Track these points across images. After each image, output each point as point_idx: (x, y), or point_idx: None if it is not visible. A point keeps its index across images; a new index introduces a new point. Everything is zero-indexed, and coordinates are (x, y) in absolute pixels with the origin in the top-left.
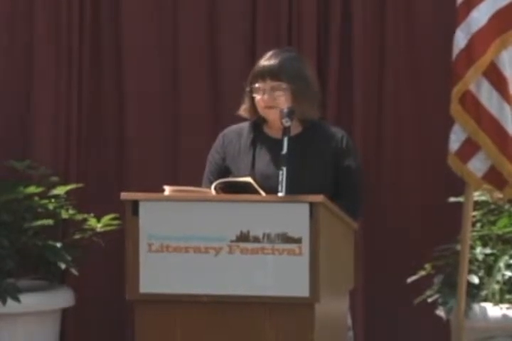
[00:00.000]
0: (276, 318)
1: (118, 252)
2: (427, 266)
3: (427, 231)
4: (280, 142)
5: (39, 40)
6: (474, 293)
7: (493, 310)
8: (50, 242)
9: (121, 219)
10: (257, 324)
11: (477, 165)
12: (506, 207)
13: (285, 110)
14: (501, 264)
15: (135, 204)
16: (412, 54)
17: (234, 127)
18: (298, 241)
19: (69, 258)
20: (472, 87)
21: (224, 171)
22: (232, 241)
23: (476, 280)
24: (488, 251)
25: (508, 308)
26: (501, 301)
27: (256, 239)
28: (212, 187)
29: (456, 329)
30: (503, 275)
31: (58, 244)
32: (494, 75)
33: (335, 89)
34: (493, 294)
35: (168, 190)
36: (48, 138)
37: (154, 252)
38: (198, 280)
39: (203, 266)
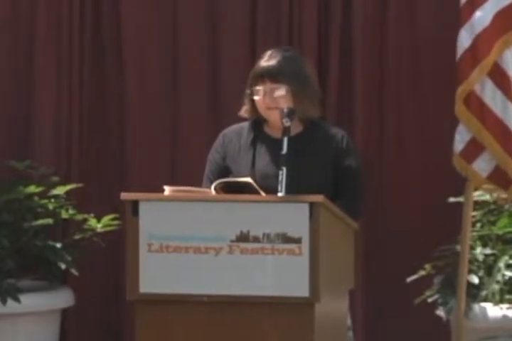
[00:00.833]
0: (276, 318)
1: (118, 252)
2: (427, 266)
3: (427, 231)
4: (280, 142)
5: (40, 40)
6: (474, 293)
7: (493, 310)
8: (50, 242)
9: (121, 220)
10: (257, 324)
11: (482, 166)
12: (506, 207)
13: (285, 110)
14: (501, 264)
15: (135, 204)
16: (414, 54)
17: (234, 127)
18: (298, 241)
19: (69, 258)
20: (476, 88)
21: (224, 171)
22: (232, 241)
23: (476, 280)
24: (488, 251)
25: (508, 308)
26: (501, 301)
27: (256, 239)
28: (212, 187)
29: (456, 329)
30: (503, 275)
31: (58, 244)
32: (498, 75)
33: (335, 90)
34: (493, 294)
35: (168, 190)
36: (49, 138)
37: (154, 252)
38: (198, 280)
39: (202, 266)
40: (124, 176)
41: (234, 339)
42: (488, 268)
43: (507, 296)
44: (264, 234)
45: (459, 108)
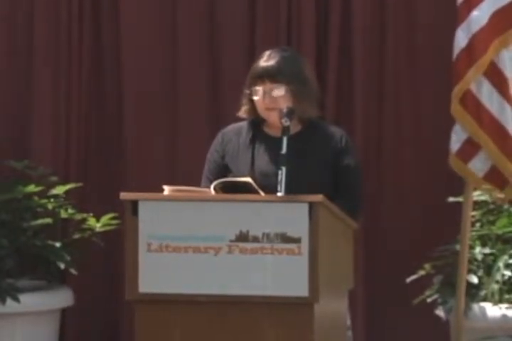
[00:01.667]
0: (275, 318)
1: (117, 252)
2: (427, 265)
3: (427, 231)
4: (279, 141)
5: (39, 40)
6: (473, 293)
7: (493, 310)
8: (50, 242)
9: (120, 219)
10: (256, 324)
11: (478, 165)
12: (505, 206)
13: (284, 110)
14: (500, 264)
15: (134, 204)
16: (412, 54)
17: (233, 126)
18: (297, 240)
19: (68, 258)
20: (473, 87)
21: (223, 170)
22: (231, 241)
23: (475, 280)
24: (487, 250)
25: (507, 308)
26: (500, 301)
27: (255, 239)
28: (212, 187)
29: (456, 329)
30: (503, 275)
31: (57, 244)
32: (495, 75)
33: (334, 89)
34: (493, 294)
35: (167, 189)
36: (48, 138)
37: (154, 252)
38: (198, 280)
39: (202, 266)
40: (123, 176)
41: (233, 339)
42: (488, 267)
43: (506, 296)
44: (263, 234)
45: (455, 107)
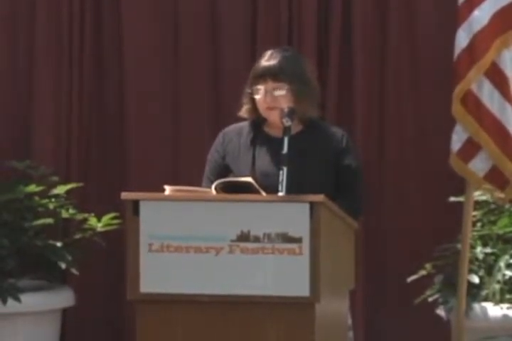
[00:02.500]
0: (276, 318)
1: (118, 252)
2: (428, 265)
3: (428, 230)
4: (280, 141)
5: (40, 40)
6: (475, 293)
7: (494, 310)
8: (51, 242)
9: (121, 219)
10: (257, 323)
11: (479, 165)
12: (507, 206)
13: (286, 110)
14: (502, 264)
15: (136, 203)
16: (413, 54)
17: (234, 126)
18: (298, 240)
19: (69, 257)
20: (474, 87)
21: (224, 170)
22: (232, 241)
23: (476, 279)
24: (488, 250)
25: (508, 308)
26: (502, 301)
27: (256, 239)
28: (213, 187)
29: (457, 329)
30: (504, 274)
31: (59, 244)
32: (496, 75)
33: (335, 89)
34: (494, 294)
35: (168, 189)
36: (49, 138)
37: (155, 252)
38: (199, 279)
39: (203, 266)
40: (124, 175)
41: (234, 338)
42: (489, 267)
43: (507, 296)
44: (264, 234)
45: (456, 107)
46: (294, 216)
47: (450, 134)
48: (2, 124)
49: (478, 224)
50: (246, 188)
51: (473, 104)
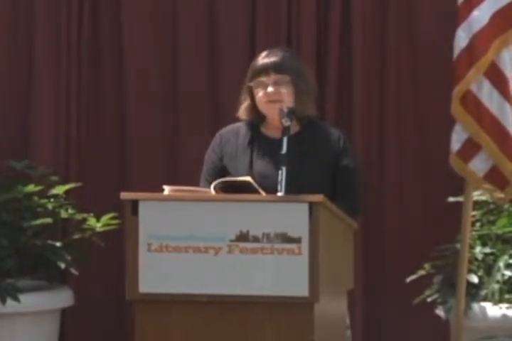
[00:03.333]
0: (275, 318)
1: (118, 252)
2: (427, 265)
3: (427, 230)
4: (277, 141)
5: (39, 40)
6: (474, 293)
7: (493, 310)
8: (50, 242)
9: (120, 219)
10: (256, 324)
11: (478, 165)
12: (506, 206)
13: (285, 110)
14: (501, 264)
15: (135, 203)
16: (413, 54)
17: (231, 126)
18: (297, 240)
19: (68, 257)
20: (473, 87)
21: (221, 171)
22: (231, 241)
23: (475, 279)
24: (487, 250)
25: (507, 308)
26: (501, 301)
27: (255, 239)
28: (212, 186)
29: (456, 328)
30: (503, 274)
31: (58, 244)
32: (495, 75)
33: (335, 90)
34: (493, 294)
35: (167, 189)
36: (48, 138)
37: (154, 252)
38: (198, 280)
39: (202, 266)
40: (123, 176)
41: (233, 338)
42: (488, 267)
43: (506, 296)
44: (263, 234)
45: (456, 107)
46: (293, 216)
47: (450, 134)
48: (1, 124)
49: (478, 224)
50: (245, 188)
51: (473, 104)
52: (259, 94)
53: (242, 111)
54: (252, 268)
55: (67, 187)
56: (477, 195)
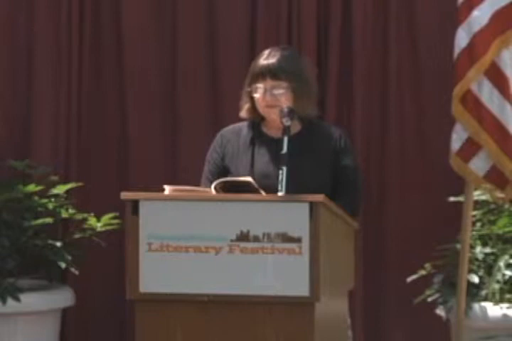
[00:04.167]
0: (276, 318)
1: (118, 251)
2: (427, 265)
3: (427, 230)
4: (278, 141)
5: (39, 40)
6: (474, 293)
7: (493, 310)
8: (50, 242)
9: (121, 219)
10: (257, 323)
11: (479, 165)
12: (506, 206)
13: (285, 109)
14: (501, 264)
15: (135, 203)
16: (413, 53)
17: (232, 127)
18: (298, 240)
19: (69, 257)
20: (473, 87)
21: (223, 171)
22: (232, 241)
23: (476, 279)
24: (488, 250)
25: (508, 308)
26: (501, 301)
27: (256, 239)
28: (212, 186)
29: (456, 328)
30: (503, 274)
31: (58, 244)
32: (495, 75)
33: (335, 89)
34: (493, 293)
35: (168, 189)
36: (49, 138)
37: (154, 252)
38: (198, 279)
39: (203, 266)
40: (124, 175)
41: (234, 338)
42: (488, 267)
43: (507, 295)
44: (264, 234)
45: (456, 107)
46: (293, 216)
47: (450, 134)
48: (1, 124)
49: (478, 224)
50: (245, 188)
51: (473, 104)
52: (258, 98)
53: (244, 112)
54: (252, 268)
55: (67, 186)
56: (477, 195)
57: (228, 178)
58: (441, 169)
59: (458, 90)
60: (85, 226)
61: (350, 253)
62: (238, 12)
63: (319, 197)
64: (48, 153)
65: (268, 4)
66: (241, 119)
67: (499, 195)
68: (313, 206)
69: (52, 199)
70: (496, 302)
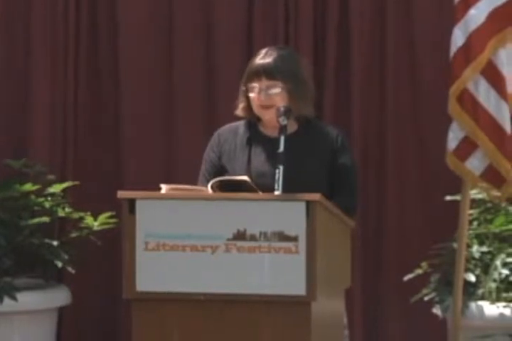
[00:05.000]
0: (272, 316)
1: (115, 250)
2: (424, 264)
3: (424, 229)
4: (275, 140)
5: (37, 40)
6: (471, 292)
7: (490, 309)
8: (47, 240)
9: (117, 218)
10: (253, 322)
11: (475, 164)
12: (503, 205)
13: (282, 109)
14: (498, 262)
15: (132, 202)
16: (412, 53)
17: (229, 126)
18: (294, 239)
19: (65, 256)
20: (470, 86)
21: (220, 170)
22: (228, 240)
23: (472, 278)
24: (484, 249)
25: (504, 307)
26: (498, 299)
27: (253, 238)
28: (209, 185)
29: (453, 327)
30: (500, 273)
31: (55, 243)
32: (492, 74)
33: (332, 89)
34: (490, 292)
35: (164, 188)
36: (45, 137)
37: (151, 251)
38: (195, 278)
39: (199, 265)
40: (120, 174)
41: (230, 337)
42: (485, 266)
43: (503, 294)
44: (260, 233)
45: (453, 106)
46: (290, 215)
47: (447, 133)
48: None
49: (475, 223)
50: (242, 187)
51: (470, 103)
52: (253, 98)
53: (239, 110)
54: (249, 267)
55: (64, 185)
56: (474, 194)
57: (225, 177)
58: (439, 168)
59: (454, 89)
60: (82, 225)
61: (347, 252)
62: (235, 12)
63: (316, 196)
64: (45, 152)
65: (265, 4)
66: (237, 118)
67: (496, 193)
68: (309, 205)
69: (49, 198)
70: (493, 301)
